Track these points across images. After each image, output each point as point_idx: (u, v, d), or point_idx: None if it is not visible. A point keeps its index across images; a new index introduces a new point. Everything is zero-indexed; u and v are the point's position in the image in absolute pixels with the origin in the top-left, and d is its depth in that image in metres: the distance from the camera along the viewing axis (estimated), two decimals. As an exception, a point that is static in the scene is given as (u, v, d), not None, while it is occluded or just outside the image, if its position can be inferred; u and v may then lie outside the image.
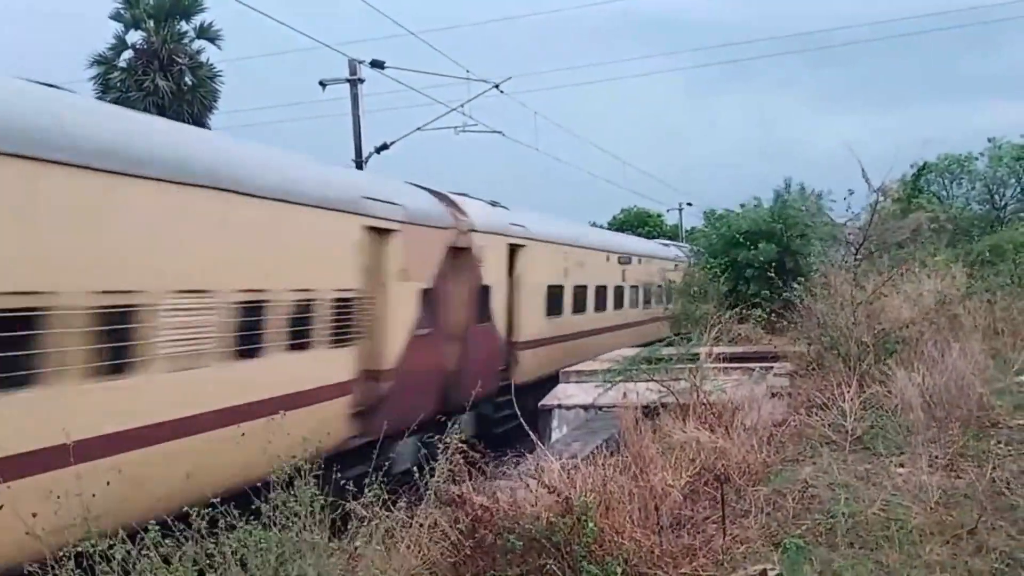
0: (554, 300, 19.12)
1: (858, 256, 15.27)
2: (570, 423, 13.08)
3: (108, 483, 6.20)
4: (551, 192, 77.71)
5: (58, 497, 5.64)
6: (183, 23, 31.66)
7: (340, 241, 10.74)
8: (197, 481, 7.00)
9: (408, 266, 12.18)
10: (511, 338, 16.86)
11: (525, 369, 16.96)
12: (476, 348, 14.70)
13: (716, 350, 12.45)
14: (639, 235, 42.45)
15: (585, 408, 13.12)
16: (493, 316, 15.84)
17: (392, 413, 10.95)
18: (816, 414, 9.84)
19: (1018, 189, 32.99)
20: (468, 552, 6.09)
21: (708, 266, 21.23)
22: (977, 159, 33.41)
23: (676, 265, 28.45)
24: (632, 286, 25.49)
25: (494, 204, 17.01)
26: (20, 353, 6.36)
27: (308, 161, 11.39)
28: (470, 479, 6.90)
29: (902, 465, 7.90)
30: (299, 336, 9.71)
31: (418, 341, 12.40)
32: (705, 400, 10.13)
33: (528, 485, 6.60)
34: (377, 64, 21.22)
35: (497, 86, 21.96)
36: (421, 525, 6.62)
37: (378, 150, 22.61)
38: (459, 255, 14.09)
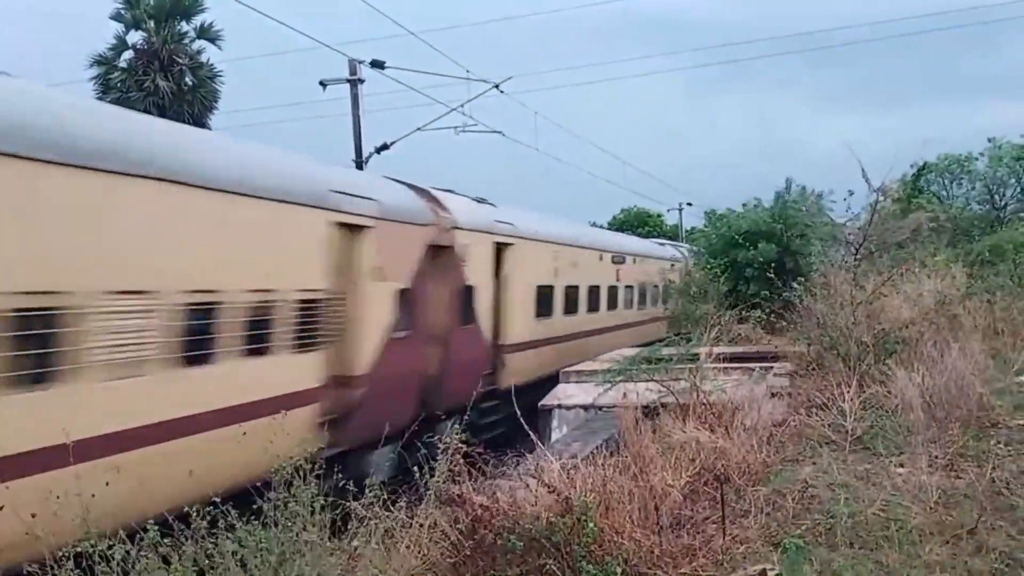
0: (544, 301, 18.54)
1: (858, 256, 15.24)
2: (570, 423, 13.08)
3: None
4: (551, 192, 77.86)
5: None
6: (183, 23, 31.76)
7: (303, 238, 10.05)
8: (133, 504, 6.38)
9: (383, 265, 11.57)
10: (498, 341, 16.25)
11: (513, 373, 16.21)
12: (459, 351, 14.13)
13: (716, 350, 12.44)
14: (639, 235, 42.39)
15: (585, 408, 13.10)
16: (478, 318, 15.21)
17: (365, 421, 10.50)
18: (816, 414, 9.84)
19: (1018, 189, 33.08)
20: (468, 552, 6.08)
21: (708, 266, 21.24)
22: (977, 159, 33.55)
23: (672, 265, 28.35)
24: (627, 286, 25.10)
25: (481, 201, 16.55)
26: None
27: (266, 150, 10.77)
28: (470, 479, 6.88)
29: (902, 465, 7.90)
30: (256, 340, 9.04)
31: (395, 344, 11.74)
32: (705, 400, 10.12)
33: (528, 485, 6.60)
34: (377, 64, 21.23)
35: (497, 86, 21.98)
36: (421, 525, 6.61)
37: (378, 150, 22.62)
38: (441, 253, 13.50)
